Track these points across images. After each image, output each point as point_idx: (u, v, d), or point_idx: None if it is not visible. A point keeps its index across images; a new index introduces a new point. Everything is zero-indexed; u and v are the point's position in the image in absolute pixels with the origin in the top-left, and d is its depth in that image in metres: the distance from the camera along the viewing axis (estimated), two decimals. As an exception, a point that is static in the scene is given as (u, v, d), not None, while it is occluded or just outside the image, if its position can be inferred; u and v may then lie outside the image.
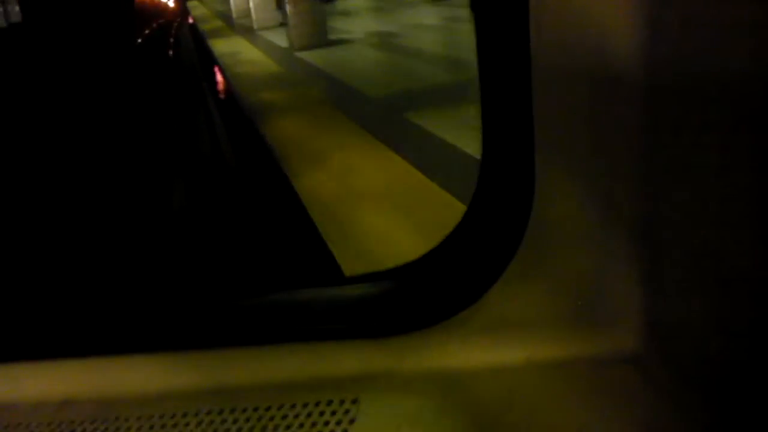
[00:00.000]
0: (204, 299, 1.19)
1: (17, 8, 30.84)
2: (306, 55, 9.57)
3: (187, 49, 17.11)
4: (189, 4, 35.21)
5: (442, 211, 3.28)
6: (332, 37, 10.69)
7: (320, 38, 10.26)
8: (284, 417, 0.90)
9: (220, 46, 12.47)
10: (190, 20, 25.71)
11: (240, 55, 11.03)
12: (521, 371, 0.87)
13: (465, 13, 8.17)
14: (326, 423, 0.88)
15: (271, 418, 0.90)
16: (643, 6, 0.64)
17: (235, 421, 0.92)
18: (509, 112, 0.81)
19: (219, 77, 10.24)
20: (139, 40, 21.40)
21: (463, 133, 4.34)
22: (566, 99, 0.74)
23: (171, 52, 17.77)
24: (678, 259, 0.73)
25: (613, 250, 0.78)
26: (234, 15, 17.58)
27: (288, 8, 10.07)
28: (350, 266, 2.92)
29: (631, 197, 0.73)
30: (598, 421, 0.80)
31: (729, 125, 0.63)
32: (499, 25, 0.78)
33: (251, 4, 14.47)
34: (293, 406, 0.91)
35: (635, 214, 0.74)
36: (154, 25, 30.75)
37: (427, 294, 0.95)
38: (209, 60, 12.04)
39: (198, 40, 16.66)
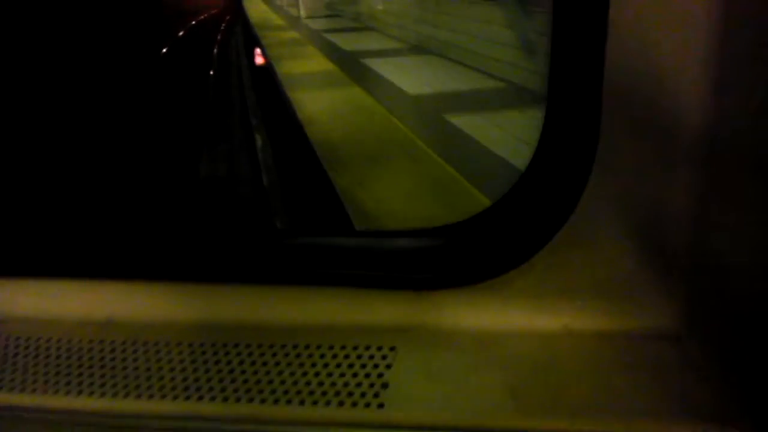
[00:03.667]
0: (252, 235, 1.20)
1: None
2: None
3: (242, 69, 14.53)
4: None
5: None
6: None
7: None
8: (322, 356, 0.93)
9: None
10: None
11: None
12: (558, 338, 0.88)
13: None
14: (363, 366, 0.91)
15: (310, 356, 0.93)
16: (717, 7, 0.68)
17: (274, 355, 0.94)
18: (577, 84, 0.81)
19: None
20: (163, 50, 16.64)
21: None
22: (635, 76, 0.75)
23: (212, 73, 14.41)
24: (721, 242, 0.76)
25: (658, 231, 0.81)
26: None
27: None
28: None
29: (683, 181, 0.77)
30: (630, 395, 0.81)
31: None
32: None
33: None
34: (331, 347, 0.94)
35: (686, 197, 0.77)
36: (189, 24, 27.31)
37: (474, 253, 0.95)
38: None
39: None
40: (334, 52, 10.38)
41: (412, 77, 7.73)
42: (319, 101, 6.79)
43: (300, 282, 1.02)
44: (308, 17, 16.75)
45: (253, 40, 16.00)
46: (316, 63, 9.61)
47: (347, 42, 11.38)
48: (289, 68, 9.19)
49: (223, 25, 28.09)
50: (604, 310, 0.87)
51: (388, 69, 8.34)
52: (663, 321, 0.84)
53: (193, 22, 34.57)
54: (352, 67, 8.91)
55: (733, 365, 0.77)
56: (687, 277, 0.81)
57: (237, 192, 7.34)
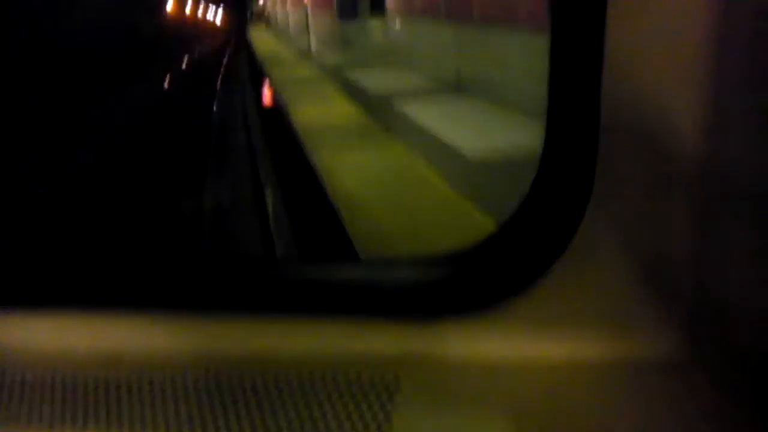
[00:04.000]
0: (250, 266, 1.23)
1: None
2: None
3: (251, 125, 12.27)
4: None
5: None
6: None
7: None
8: (325, 387, 0.93)
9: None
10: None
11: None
12: (561, 367, 0.87)
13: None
14: (366, 396, 0.91)
15: (313, 387, 0.93)
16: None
17: (278, 388, 0.95)
18: (576, 104, 0.81)
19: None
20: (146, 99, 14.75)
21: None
22: (632, 104, 0.75)
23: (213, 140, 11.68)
24: (725, 269, 0.76)
25: (661, 257, 0.80)
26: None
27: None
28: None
29: (685, 208, 0.76)
30: (634, 424, 0.83)
31: None
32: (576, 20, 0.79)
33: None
34: (334, 378, 0.94)
35: (687, 224, 0.77)
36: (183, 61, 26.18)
37: (476, 281, 0.95)
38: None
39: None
40: (358, 94, 8.81)
41: (466, 129, 6.09)
42: (354, 168, 5.12)
43: (303, 313, 1.01)
44: (320, 49, 15.25)
45: (259, 76, 14.54)
46: (339, 108, 8.04)
47: (371, 80, 9.82)
48: (308, 115, 7.60)
49: (225, 58, 27.15)
50: (606, 338, 0.85)
51: (430, 117, 6.71)
52: (667, 349, 0.82)
53: (194, 55, 33.53)
54: (384, 115, 7.34)
55: (738, 394, 0.79)
56: (691, 305, 0.80)
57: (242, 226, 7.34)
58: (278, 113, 9.10)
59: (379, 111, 7.49)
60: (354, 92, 8.89)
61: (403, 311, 0.96)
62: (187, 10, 47.09)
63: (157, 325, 1.04)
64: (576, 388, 0.86)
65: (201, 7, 52.99)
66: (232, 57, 26.79)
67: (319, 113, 7.71)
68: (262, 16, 41.52)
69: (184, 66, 25.08)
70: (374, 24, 18.44)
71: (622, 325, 0.85)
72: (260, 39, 23.22)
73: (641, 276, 0.82)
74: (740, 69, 0.70)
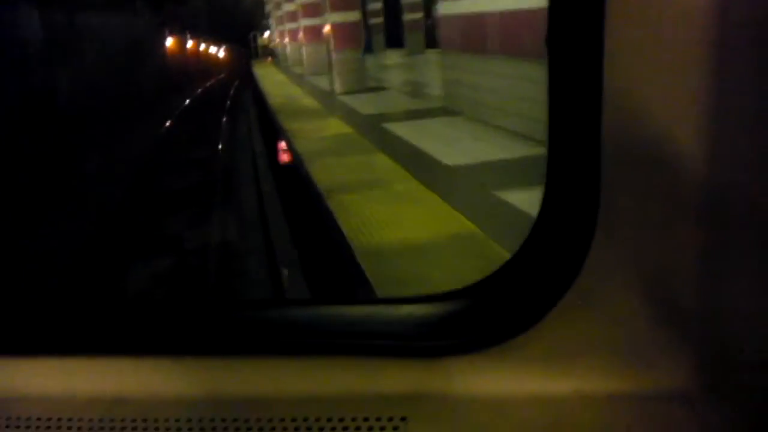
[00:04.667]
0: (253, 307, 1.24)
1: None
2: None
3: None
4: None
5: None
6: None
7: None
8: (333, 429, 0.91)
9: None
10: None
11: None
12: (570, 401, 0.87)
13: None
14: None
15: (321, 429, 0.92)
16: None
17: (284, 429, 0.93)
18: (576, 147, 0.82)
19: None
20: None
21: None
22: (634, 134, 0.75)
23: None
24: (734, 300, 0.75)
25: (670, 287, 0.80)
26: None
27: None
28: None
29: (691, 237, 0.75)
30: None
31: None
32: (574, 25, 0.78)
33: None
34: (341, 420, 0.92)
35: (694, 254, 0.76)
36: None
37: (482, 318, 0.94)
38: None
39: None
40: (427, 171, 5.85)
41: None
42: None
43: (307, 353, 1.00)
44: (347, 92, 12.36)
45: (272, 134, 11.63)
46: (412, 201, 5.06)
47: (435, 143, 6.91)
48: (361, 217, 4.66)
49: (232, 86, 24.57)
50: (615, 371, 0.85)
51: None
52: (676, 382, 0.81)
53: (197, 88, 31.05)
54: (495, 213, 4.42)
55: (750, 426, 0.77)
56: (700, 337, 0.79)
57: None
58: (309, 201, 6.20)
59: (485, 207, 4.56)
60: (423, 169, 5.91)
61: (409, 350, 0.95)
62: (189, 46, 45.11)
63: (159, 367, 1.04)
64: (584, 422, 0.85)
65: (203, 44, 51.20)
66: (236, 100, 24.16)
67: (375, 209, 4.73)
68: (267, 51, 39.17)
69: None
70: (419, 59, 15.98)
71: (630, 357, 0.84)
72: (269, 79, 20.30)
73: (650, 308, 0.81)
74: (748, 101, 0.69)
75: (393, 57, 17.85)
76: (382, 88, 12.96)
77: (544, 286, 0.87)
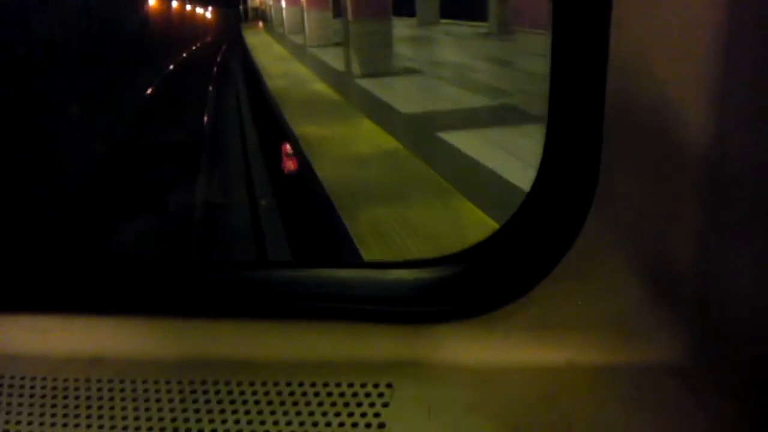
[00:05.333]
0: (238, 268, 1.19)
1: None
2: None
3: None
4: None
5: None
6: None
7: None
8: (316, 394, 0.90)
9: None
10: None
11: None
12: (560, 372, 0.85)
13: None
14: (359, 404, 0.88)
15: (304, 394, 0.90)
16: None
17: (266, 393, 0.91)
18: (577, 114, 0.80)
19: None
20: None
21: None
22: (636, 105, 0.74)
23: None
24: (728, 272, 0.75)
25: (665, 259, 0.79)
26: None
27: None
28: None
29: (688, 209, 0.75)
30: (635, 431, 0.80)
31: None
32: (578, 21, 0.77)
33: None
34: (326, 385, 0.91)
35: (693, 223, 0.75)
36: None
37: (473, 285, 0.93)
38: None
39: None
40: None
41: None
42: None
43: (293, 316, 0.98)
44: (368, 75, 9.45)
45: (270, 131, 8.67)
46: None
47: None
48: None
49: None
50: (607, 343, 0.84)
51: None
52: (669, 354, 0.81)
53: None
54: None
55: (743, 400, 0.77)
56: (693, 309, 0.79)
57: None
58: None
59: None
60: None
61: (397, 315, 0.93)
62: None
63: (139, 328, 1.02)
64: (575, 394, 0.83)
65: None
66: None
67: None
68: (258, 14, 35.90)
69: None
70: (437, 32, 13.21)
71: (622, 329, 0.83)
72: (263, 51, 16.93)
73: (644, 279, 0.80)
74: (749, 80, 0.68)
75: (403, 28, 14.92)
76: (412, 70, 10.09)
77: (536, 255, 0.85)
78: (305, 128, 6.59)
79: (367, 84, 8.93)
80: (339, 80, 9.85)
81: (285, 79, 10.64)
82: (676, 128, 0.72)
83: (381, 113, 7.07)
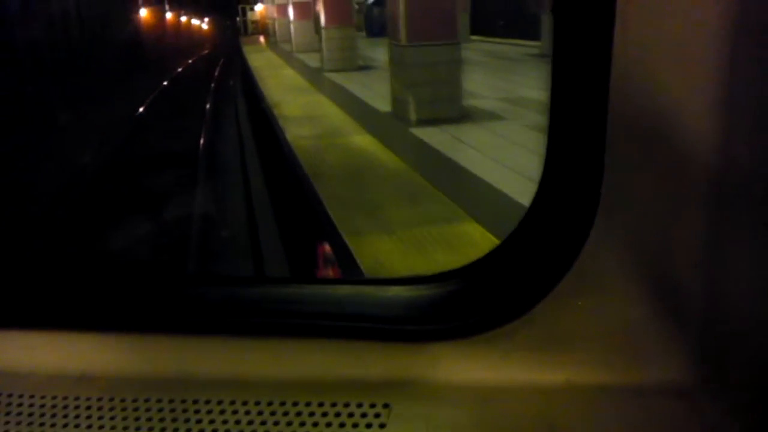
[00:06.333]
0: (229, 282, 1.17)
1: None
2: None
3: None
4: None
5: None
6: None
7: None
8: (311, 414, 0.87)
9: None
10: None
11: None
12: (560, 393, 0.83)
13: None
14: (355, 425, 0.85)
15: (298, 414, 0.87)
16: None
17: (260, 413, 0.88)
18: (579, 126, 0.78)
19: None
20: None
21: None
22: (640, 116, 0.72)
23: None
24: (735, 289, 0.73)
25: (667, 279, 0.77)
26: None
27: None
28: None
29: (694, 225, 0.73)
30: None
31: None
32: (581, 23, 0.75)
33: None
34: (321, 404, 0.88)
35: (696, 242, 0.73)
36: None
37: (473, 303, 0.91)
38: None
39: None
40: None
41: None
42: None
43: (286, 334, 0.96)
44: (422, 121, 6.87)
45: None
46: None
47: None
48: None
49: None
50: (609, 363, 0.82)
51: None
52: (673, 375, 0.78)
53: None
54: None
55: (749, 421, 0.74)
56: (699, 328, 0.76)
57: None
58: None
59: None
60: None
61: (395, 333, 0.91)
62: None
63: (127, 343, 0.99)
64: (574, 415, 0.81)
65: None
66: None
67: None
68: (258, 28, 33.37)
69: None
70: (474, 52, 10.96)
71: (624, 349, 0.81)
72: (274, 82, 13.01)
73: (647, 299, 0.78)
74: (751, 74, 0.66)
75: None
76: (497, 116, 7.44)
77: (537, 272, 0.83)
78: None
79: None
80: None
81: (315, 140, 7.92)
82: (679, 141, 0.70)
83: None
